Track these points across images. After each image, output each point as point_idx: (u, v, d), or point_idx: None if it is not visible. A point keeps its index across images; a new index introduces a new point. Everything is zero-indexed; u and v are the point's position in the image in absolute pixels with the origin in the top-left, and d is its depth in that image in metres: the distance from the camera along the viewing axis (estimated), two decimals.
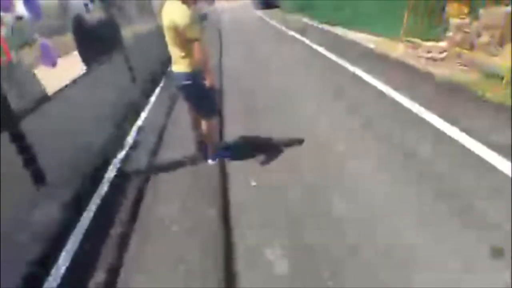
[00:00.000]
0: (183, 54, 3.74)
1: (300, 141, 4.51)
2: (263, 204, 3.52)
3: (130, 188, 4.12)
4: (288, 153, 4.33)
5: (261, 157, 4.30)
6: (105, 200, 3.95)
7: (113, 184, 4.22)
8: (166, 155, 4.73)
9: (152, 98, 7.07)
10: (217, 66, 8.86)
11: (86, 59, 5.43)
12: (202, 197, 3.76)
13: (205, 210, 3.55)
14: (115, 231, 3.46)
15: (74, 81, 4.81)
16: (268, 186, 3.79)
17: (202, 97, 3.95)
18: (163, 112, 6.18)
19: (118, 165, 4.61)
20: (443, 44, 7.16)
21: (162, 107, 6.42)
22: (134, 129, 5.66)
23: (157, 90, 7.60)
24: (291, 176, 3.86)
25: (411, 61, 7.13)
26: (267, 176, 3.93)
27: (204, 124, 4.18)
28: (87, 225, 3.59)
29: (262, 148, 4.50)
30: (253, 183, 3.86)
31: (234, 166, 4.24)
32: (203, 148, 4.45)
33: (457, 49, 6.79)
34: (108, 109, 5.40)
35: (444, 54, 6.99)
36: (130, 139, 5.31)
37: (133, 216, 3.64)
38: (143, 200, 3.87)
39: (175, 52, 3.80)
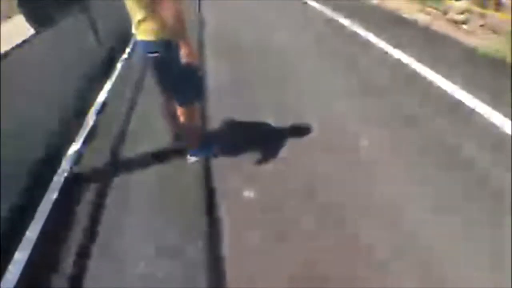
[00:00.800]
0: (144, 14, 2.66)
1: (307, 129, 3.52)
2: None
3: (84, 197, 3.12)
4: (294, 148, 3.36)
5: (258, 153, 3.32)
6: (50, 218, 2.95)
7: (63, 192, 3.21)
8: (134, 147, 3.69)
9: (120, 64, 5.88)
10: (194, 27, 7.26)
11: (35, 20, 4.29)
12: (180, 218, 2.80)
13: (183, 244, 2.59)
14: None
15: (19, 46, 3.68)
16: (269, 198, 2.85)
17: (176, 75, 2.90)
18: (134, 81, 5.03)
19: (70, 163, 3.56)
20: (462, 2, 6.12)
21: (133, 75, 5.22)
22: (95, 107, 4.56)
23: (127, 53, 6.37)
24: None
25: (434, 26, 6.07)
26: (268, 186, 2.98)
27: (180, 112, 3.15)
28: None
29: (258, 141, 3.52)
30: (247, 193, 2.91)
31: (222, 166, 3.27)
32: (182, 142, 3.44)
33: (480, 9, 5.77)
34: (60, 83, 4.26)
35: (465, 15, 5.96)
36: (88, 123, 4.23)
37: (87, 244, 2.67)
38: (100, 219, 2.88)
39: (134, 11, 2.71)
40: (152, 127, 3.86)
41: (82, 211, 2.96)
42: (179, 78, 2.90)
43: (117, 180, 3.27)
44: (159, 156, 3.49)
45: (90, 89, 4.86)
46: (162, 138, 3.61)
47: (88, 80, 4.91)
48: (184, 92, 3.04)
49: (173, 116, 3.30)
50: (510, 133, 3.18)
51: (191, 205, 2.88)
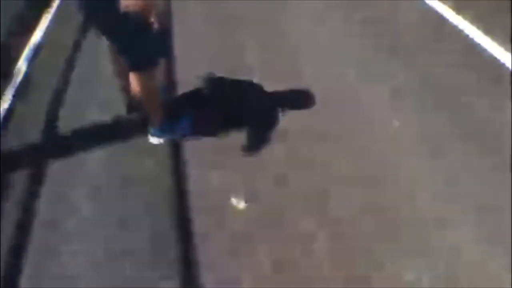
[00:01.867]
0: None
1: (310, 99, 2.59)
2: None
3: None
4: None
5: (245, 133, 2.41)
6: None
7: None
8: (77, 115, 2.69)
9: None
10: None
11: None
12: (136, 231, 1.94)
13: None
14: None
15: None
16: (268, 209, 2.01)
17: (118, 28, 1.94)
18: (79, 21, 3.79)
19: None
20: None
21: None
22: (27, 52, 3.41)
23: None
24: None
25: None
26: (264, 190, 2.11)
27: (132, 79, 2.17)
28: None
29: (245, 113, 2.59)
30: (241, 204, 2.06)
31: (197, 152, 2.37)
32: (140, 114, 2.48)
33: None
34: None
35: None
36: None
37: None
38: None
39: None
40: (101, 86, 2.85)
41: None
42: (122, 32, 1.91)
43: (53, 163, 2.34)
44: (110, 132, 2.53)
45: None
46: (114, 104, 2.63)
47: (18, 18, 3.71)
48: (133, 52, 2.04)
49: (127, 80, 2.31)
50: None
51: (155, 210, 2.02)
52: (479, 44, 2.99)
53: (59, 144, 2.53)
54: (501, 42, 2.94)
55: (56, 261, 1.85)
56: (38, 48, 3.46)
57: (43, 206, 2.10)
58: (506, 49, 2.89)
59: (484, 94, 2.57)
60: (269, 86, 2.69)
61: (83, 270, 1.81)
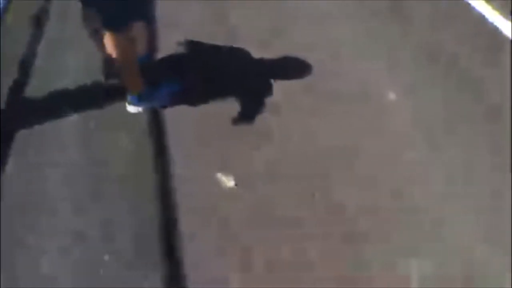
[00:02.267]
0: None
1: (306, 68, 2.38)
2: None
3: None
4: None
5: (235, 103, 2.21)
6: None
7: None
8: (47, 86, 2.40)
9: None
10: None
11: None
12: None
13: None
14: None
15: None
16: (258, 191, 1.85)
17: None
18: None
19: None
20: None
21: None
22: None
23: None
24: None
25: None
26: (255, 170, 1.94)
27: (107, 41, 1.92)
28: None
29: (235, 83, 2.37)
30: (230, 183, 1.89)
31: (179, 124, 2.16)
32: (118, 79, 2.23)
33: None
34: None
35: None
36: None
37: None
38: None
39: None
40: (75, 52, 2.56)
41: None
42: None
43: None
44: (85, 100, 2.29)
45: None
46: (90, 67, 2.37)
47: None
48: (106, 8, 1.79)
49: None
50: None
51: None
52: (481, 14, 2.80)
53: (29, 114, 2.25)
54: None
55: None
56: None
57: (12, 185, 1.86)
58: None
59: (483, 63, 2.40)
60: (258, 54, 2.46)
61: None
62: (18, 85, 2.39)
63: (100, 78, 2.33)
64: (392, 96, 2.28)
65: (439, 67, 2.41)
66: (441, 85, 2.31)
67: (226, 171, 1.90)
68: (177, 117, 2.20)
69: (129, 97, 2.19)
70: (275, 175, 1.89)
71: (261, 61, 2.41)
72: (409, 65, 2.45)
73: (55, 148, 2.08)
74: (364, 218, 1.70)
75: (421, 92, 2.27)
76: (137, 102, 2.19)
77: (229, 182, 1.89)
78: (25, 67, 2.51)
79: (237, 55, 2.48)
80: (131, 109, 2.21)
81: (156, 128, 2.15)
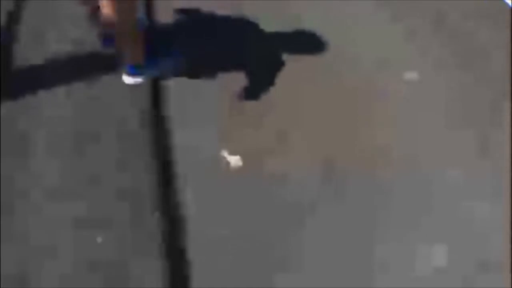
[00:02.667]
0: None
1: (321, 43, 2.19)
2: None
3: None
4: None
5: (241, 76, 2.03)
6: None
7: None
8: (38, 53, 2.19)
9: None
10: None
11: None
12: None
13: None
14: None
15: None
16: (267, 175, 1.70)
17: None
18: None
19: None
20: None
21: None
22: None
23: None
24: None
25: None
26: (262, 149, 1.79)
27: (106, 3, 1.72)
28: None
29: (239, 52, 2.19)
30: (232, 159, 1.74)
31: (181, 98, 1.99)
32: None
33: None
34: None
35: None
36: None
37: None
38: None
39: None
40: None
41: None
42: None
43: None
44: (78, 69, 2.09)
45: None
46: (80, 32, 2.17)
47: None
48: None
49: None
50: None
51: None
52: None
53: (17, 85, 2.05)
54: None
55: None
56: None
57: None
58: None
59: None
60: (268, 27, 2.28)
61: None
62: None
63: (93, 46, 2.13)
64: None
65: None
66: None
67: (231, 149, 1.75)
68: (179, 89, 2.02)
69: (126, 67, 2.01)
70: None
71: (272, 34, 2.22)
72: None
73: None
74: None
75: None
76: (134, 72, 2.01)
77: (235, 161, 1.74)
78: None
79: (245, 26, 2.29)
80: (128, 80, 2.03)
81: (155, 101, 1.98)
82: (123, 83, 2.01)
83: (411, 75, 2.09)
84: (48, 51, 2.15)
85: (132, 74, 2.01)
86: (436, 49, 2.21)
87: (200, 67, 2.10)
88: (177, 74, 2.06)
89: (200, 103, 1.97)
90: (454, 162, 1.74)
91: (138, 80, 2.03)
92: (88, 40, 2.15)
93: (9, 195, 1.58)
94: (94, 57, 2.14)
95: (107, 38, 2.07)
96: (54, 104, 1.93)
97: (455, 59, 2.15)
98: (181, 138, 1.82)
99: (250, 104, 1.95)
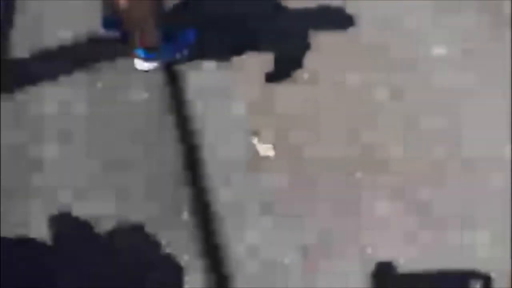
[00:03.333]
0: None
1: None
2: None
3: None
4: None
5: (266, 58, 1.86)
6: None
7: None
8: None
9: None
10: None
11: None
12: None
13: None
14: None
15: None
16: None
17: None
18: None
19: None
20: None
21: None
22: None
23: None
24: None
25: None
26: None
27: None
28: None
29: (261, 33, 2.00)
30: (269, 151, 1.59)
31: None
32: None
33: None
34: None
35: None
36: None
37: None
38: None
39: None
40: None
41: None
42: None
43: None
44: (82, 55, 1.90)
45: None
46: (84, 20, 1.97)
47: None
48: None
49: None
50: None
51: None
52: None
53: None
54: None
55: None
56: None
57: None
58: None
59: None
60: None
61: None
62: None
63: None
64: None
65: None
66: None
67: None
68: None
69: (139, 51, 1.82)
70: None
71: (295, 10, 2.03)
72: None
73: None
74: None
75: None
76: (149, 56, 1.83)
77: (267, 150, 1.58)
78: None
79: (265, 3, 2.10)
80: (142, 65, 1.85)
81: (175, 87, 1.81)
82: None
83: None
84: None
85: (145, 58, 1.83)
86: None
87: (213, 49, 1.92)
88: (191, 57, 1.88)
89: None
90: None
91: (152, 65, 1.86)
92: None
93: None
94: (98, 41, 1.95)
95: (109, 21, 1.88)
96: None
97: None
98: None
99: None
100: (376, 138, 1.66)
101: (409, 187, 1.54)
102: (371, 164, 1.59)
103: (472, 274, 1.38)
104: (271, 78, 1.85)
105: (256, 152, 1.60)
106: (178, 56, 1.89)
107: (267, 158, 1.60)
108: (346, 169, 1.57)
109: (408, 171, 1.57)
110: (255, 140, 1.61)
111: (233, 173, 1.56)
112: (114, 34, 1.89)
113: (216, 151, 1.61)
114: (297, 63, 1.87)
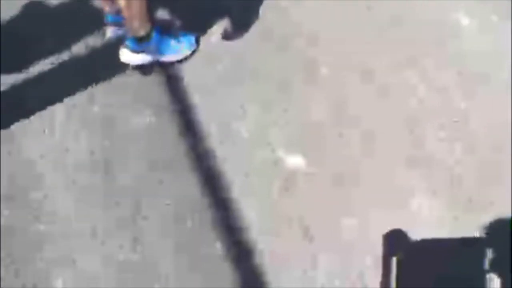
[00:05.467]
0: None
1: None
2: None
3: None
4: None
5: None
6: None
7: None
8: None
9: None
10: None
11: None
12: None
13: None
14: None
15: None
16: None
17: None
18: None
19: None
20: None
21: None
22: None
23: None
24: None
25: None
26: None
27: None
28: None
29: None
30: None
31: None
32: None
33: None
34: None
35: None
36: None
37: None
38: None
39: None
40: None
41: None
42: None
43: None
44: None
45: None
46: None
47: None
48: None
49: None
50: None
51: None
52: None
53: None
54: None
55: None
56: None
57: None
58: None
59: None
60: None
61: None
62: None
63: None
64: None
65: None
66: None
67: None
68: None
69: (128, 41, 1.50)
70: None
71: None
72: None
73: None
74: None
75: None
76: (137, 47, 1.51)
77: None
78: None
79: None
80: (128, 57, 1.53)
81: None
82: None
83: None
84: None
85: (134, 49, 1.51)
86: None
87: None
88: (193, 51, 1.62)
89: None
90: None
91: (139, 58, 1.54)
92: None
93: None
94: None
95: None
96: None
97: None
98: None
99: None
100: None
101: None
102: None
103: None
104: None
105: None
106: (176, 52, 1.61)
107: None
108: None
109: None
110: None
111: None
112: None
113: None
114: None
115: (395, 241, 1.34)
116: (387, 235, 1.33)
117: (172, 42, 1.59)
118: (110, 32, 1.58)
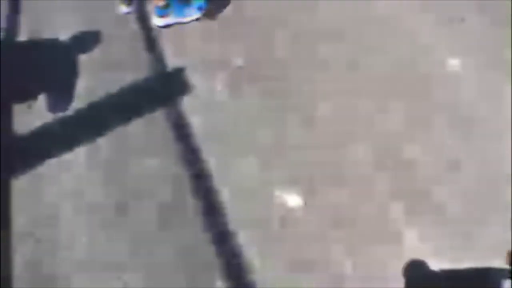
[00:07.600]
0: None
1: None
2: None
3: None
4: None
5: None
6: None
7: None
8: None
9: None
10: None
11: None
12: None
13: None
14: None
15: None
16: None
17: None
18: None
19: None
20: None
21: None
22: None
23: None
24: None
25: None
26: None
27: None
28: None
29: None
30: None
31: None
32: None
33: None
34: None
35: None
36: None
37: None
38: None
39: None
40: None
41: None
42: None
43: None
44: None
45: None
46: None
47: None
48: None
49: None
50: None
51: None
52: None
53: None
54: None
55: None
56: None
57: None
58: None
59: None
60: None
61: None
62: None
63: None
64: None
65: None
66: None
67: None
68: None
69: (155, 10, 2.21)
70: None
71: None
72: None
73: None
74: None
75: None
76: (162, 13, 2.20)
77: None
78: None
79: None
80: (158, 22, 2.23)
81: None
82: None
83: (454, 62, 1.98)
84: None
85: (160, 15, 2.21)
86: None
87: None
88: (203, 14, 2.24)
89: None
90: None
91: (168, 21, 2.23)
92: None
93: None
94: None
95: None
96: None
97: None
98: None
99: None
100: None
101: None
102: None
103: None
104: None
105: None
106: (188, 15, 2.25)
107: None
108: None
109: None
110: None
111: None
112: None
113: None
114: None
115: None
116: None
117: (186, 7, 2.24)
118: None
